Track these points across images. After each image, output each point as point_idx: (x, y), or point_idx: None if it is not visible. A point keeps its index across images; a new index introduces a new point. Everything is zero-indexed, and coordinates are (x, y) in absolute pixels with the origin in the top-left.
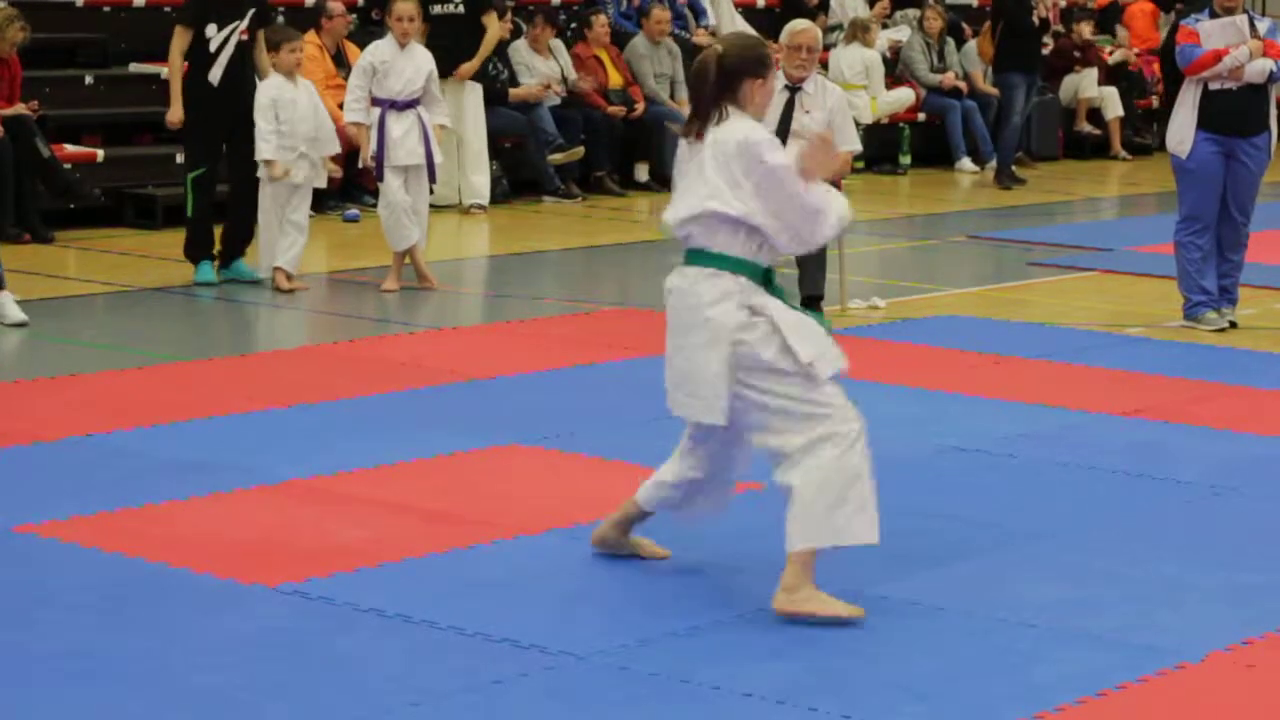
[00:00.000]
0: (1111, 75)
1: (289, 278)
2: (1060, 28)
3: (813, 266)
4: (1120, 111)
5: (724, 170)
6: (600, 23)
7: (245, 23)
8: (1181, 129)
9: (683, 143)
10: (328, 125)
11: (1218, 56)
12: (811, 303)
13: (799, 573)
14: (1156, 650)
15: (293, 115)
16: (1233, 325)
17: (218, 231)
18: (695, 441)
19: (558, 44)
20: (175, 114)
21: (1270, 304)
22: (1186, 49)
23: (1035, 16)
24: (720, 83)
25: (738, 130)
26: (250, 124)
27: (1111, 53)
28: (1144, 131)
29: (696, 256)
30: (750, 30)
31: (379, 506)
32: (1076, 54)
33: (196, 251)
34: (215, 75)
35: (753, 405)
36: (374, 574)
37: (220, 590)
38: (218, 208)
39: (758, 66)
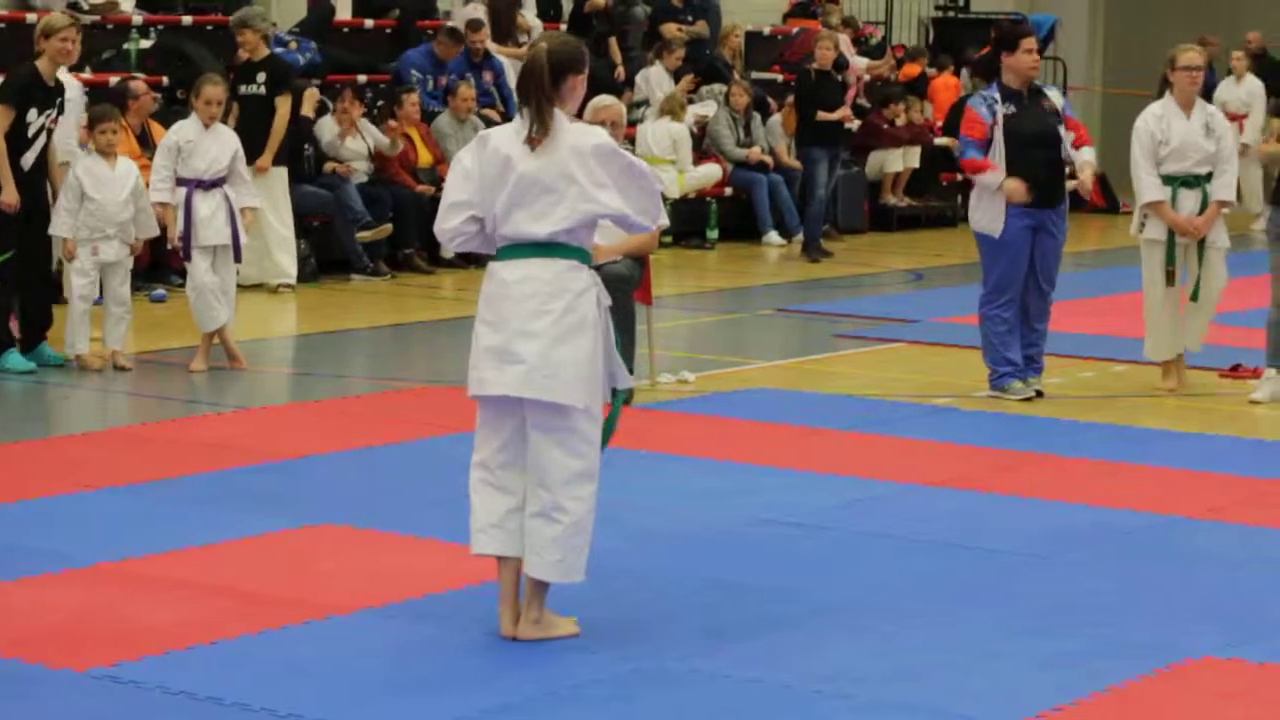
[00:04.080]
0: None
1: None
2: (866, 103)
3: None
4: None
5: (589, 174)
6: (411, 101)
7: (57, 111)
8: (992, 207)
9: (502, 145)
10: (148, 208)
11: (991, 168)
12: None
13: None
14: (972, 718)
15: (106, 195)
16: (1039, 394)
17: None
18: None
19: (364, 122)
20: (11, 195)
21: (1076, 373)
22: (968, 145)
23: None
24: (552, 80)
25: (588, 136)
26: (47, 209)
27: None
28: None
29: (553, 250)
30: None
31: (190, 588)
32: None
33: (4, 340)
34: (28, 160)
35: None
36: (185, 656)
37: (28, 675)
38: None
39: (581, 63)
